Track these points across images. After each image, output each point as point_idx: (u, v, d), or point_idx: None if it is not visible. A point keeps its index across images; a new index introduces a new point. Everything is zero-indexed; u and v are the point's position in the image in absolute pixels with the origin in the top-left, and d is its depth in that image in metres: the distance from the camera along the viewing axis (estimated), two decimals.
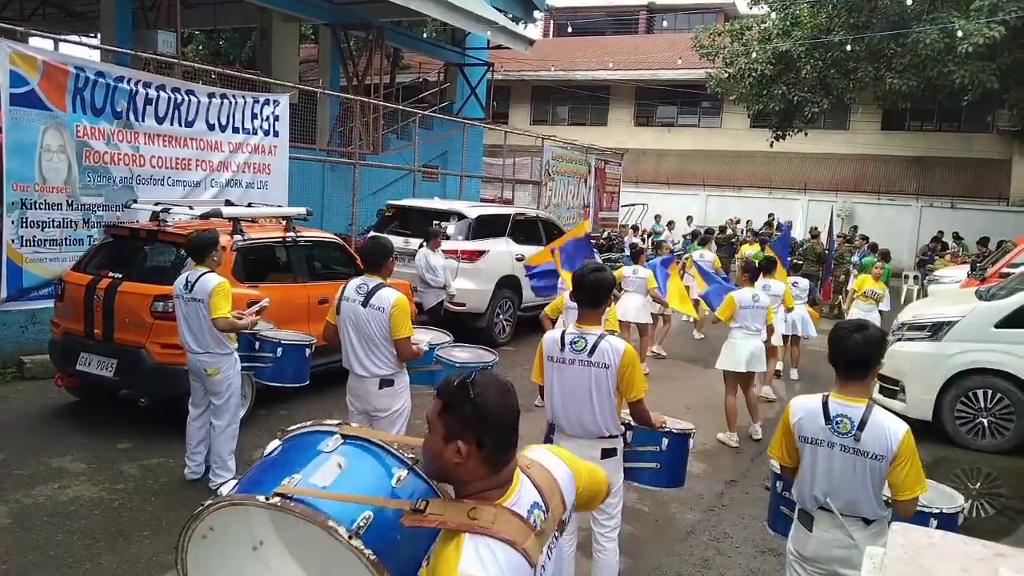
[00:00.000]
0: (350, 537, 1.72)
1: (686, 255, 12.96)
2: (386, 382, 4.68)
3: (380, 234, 5.99)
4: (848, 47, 19.05)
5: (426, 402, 1.88)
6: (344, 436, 1.99)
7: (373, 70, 16.03)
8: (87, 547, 4.50)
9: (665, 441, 3.79)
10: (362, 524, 1.75)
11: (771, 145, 23.49)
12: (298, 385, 5.69)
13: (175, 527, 4.72)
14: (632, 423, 3.79)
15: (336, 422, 2.07)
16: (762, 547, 5.00)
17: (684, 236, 19.76)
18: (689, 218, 23.38)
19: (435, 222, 10.31)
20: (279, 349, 5.41)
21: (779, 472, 3.44)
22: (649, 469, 3.83)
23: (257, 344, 5.41)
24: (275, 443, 2.05)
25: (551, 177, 17.55)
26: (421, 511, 1.69)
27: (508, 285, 10.67)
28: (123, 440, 6.11)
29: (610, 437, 3.69)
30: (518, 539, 1.65)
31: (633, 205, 23.93)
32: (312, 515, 1.75)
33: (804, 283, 10.49)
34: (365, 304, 4.57)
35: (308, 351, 5.56)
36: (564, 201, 18.15)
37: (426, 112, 16.16)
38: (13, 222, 7.57)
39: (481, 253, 10.26)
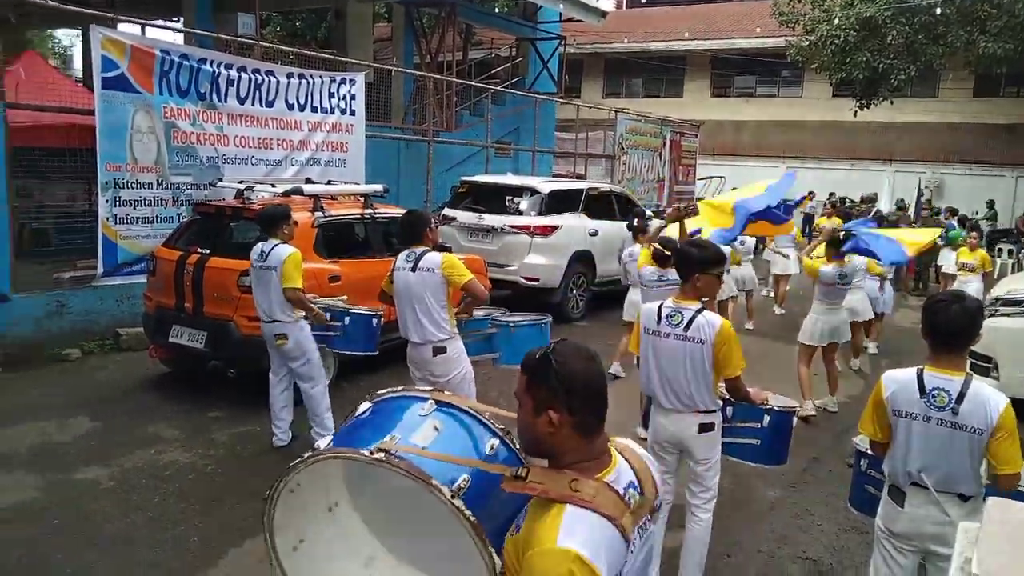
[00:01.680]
0: (452, 497, 1.75)
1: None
2: (439, 349, 4.78)
3: (415, 208, 6.13)
4: (938, 10, 18.12)
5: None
6: (437, 402, 2.03)
7: (446, 47, 16.08)
8: (182, 510, 4.73)
9: (767, 418, 3.74)
10: (462, 485, 1.78)
11: (854, 115, 22.60)
12: (367, 354, 5.82)
13: (264, 489, 4.93)
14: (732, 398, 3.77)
15: (429, 388, 2.12)
16: (845, 525, 4.90)
17: None
18: None
19: (509, 198, 10.33)
20: (347, 318, 5.57)
21: (863, 450, 3.36)
22: (750, 445, 3.80)
23: (328, 315, 5.56)
24: (366, 404, 2.10)
25: (624, 151, 17.33)
26: (522, 478, 1.71)
27: (581, 260, 10.63)
28: (214, 409, 6.38)
29: (707, 412, 3.68)
30: (616, 515, 1.65)
31: (710, 178, 23.44)
32: (417, 472, 1.77)
33: None
34: (414, 269, 4.72)
35: (376, 321, 5.69)
36: (638, 175, 17.92)
37: (498, 88, 16.14)
38: (108, 201, 7.92)
39: (554, 228, 10.23)
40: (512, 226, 10.13)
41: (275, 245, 5.38)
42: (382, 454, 1.81)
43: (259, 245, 5.49)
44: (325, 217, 6.93)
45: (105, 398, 6.58)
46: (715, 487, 3.86)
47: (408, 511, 2.02)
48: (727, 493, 5.29)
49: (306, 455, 1.97)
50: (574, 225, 10.60)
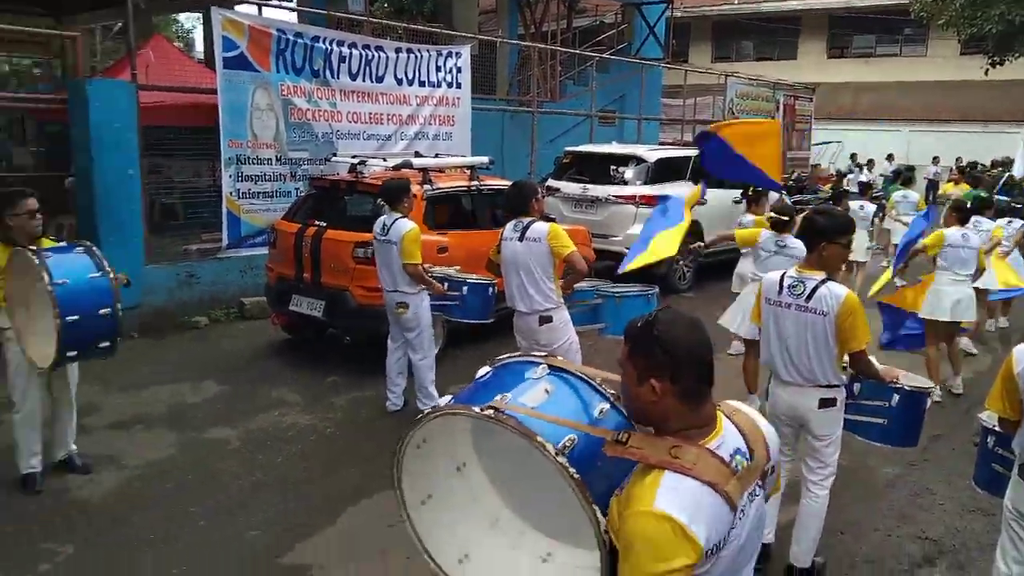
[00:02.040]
0: (556, 454, 1.79)
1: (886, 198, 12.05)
2: (545, 318, 4.86)
3: (523, 179, 6.16)
4: None
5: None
6: (550, 367, 2.07)
7: (550, 16, 15.97)
8: (304, 469, 5.00)
9: (896, 397, 3.57)
10: (567, 444, 1.82)
11: (986, 73, 21.07)
12: (483, 322, 5.95)
13: (379, 454, 5.16)
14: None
15: (543, 354, 2.17)
16: (970, 505, 4.68)
17: (883, 175, 18.33)
18: (890, 156, 21.60)
19: (614, 168, 10.23)
20: (465, 288, 5.70)
21: (991, 427, 3.20)
22: (876, 425, 3.65)
23: (445, 284, 5.71)
24: (486, 368, 2.19)
25: (735, 116, 16.80)
26: (623, 442, 1.73)
27: (689, 230, 10.40)
28: (332, 374, 6.67)
29: (829, 386, 3.57)
30: (719, 481, 1.64)
31: (826, 143, 22.44)
32: (522, 429, 1.83)
33: (1018, 223, 9.45)
34: (521, 239, 4.79)
35: (491, 290, 5.80)
36: None
37: (603, 55, 15.92)
38: (231, 176, 8.34)
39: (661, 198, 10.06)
40: (617, 196, 10.03)
41: (396, 219, 5.56)
42: (491, 411, 1.88)
43: (381, 218, 5.70)
44: (433, 190, 7.07)
45: (231, 363, 6.99)
46: (834, 464, 3.76)
47: (527, 475, 2.08)
48: (841, 468, 5.15)
49: (426, 411, 2.07)
50: (682, 194, 10.37)
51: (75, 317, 4.04)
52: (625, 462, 1.76)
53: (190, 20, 31.76)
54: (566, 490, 1.80)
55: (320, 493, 4.67)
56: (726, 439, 1.75)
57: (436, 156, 8.63)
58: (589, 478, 1.80)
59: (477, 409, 1.90)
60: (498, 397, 1.93)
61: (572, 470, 1.77)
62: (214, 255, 8.56)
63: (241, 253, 8.59)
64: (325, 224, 6.77)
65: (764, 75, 19.39)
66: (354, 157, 7.44)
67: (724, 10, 28.57)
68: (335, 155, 8.46)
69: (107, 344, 4.32)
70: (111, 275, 4.27)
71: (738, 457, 1.73)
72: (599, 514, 1.76)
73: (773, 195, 7.50)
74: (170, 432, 5.47)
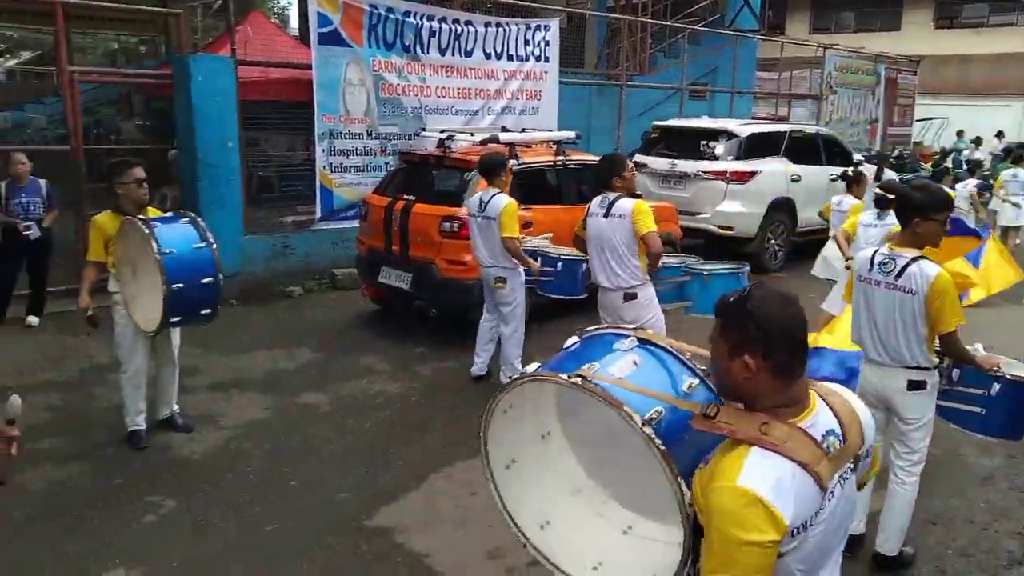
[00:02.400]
0: (643, 424, 1.80)
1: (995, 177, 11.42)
2: (630, 295, 4.83)
3: (614, 153, 6.10)
4: None
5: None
6: (639, 339, 2.08)
7: None
8: (390, 435, 5.15)
9: (996, 387, 3.40)
10: (654, 416, 1.83)
11: None
12: (576, 297, 5.97)
13: (462, 422, 5.27)
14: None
15: (632, 327, 2.18)
16: None
17: (992, 154, 17.33)
18: (999, 133, 20.37)
19: (704, 143, 10.02)
20: (559, 264, 5.74)
21: None
22: (974, 414, 3.49)
23: (539, 259, 5.75)
24: (574, 339, 2.20)
25: (833, 90, 16.17)
26: (711, 416, 1.71)
27: (781, 208, 10.14)
28: (418, 344, 6.82)
29: (918, 368, 3.44)
30: (809, 461, 1.62)
31: (929, 119, 21.33)
32: (609, 398, 1.85)
33: None
34: (607, 215, 4.76)
35: (584, 266, 5.80)
36: (848, 116, 16.68)
37: (695, 27, 15.52)
38: (324, 151, 8.56)
39: (752, 174, 9.81)
40: (706, 172, 9.83)
41: (493, 195, 5.62)
42: (579, 379, 1.89)
43: (477, 195, 5.77)
44: (519, 165, 7.08)
45: (323, 332, 7.23)
46: (923, 450, 3.62)
47: (611, 446, 2.10)
48: (934, 458, 4.96)
49: (515, 377, 2.12)
50: (775, 170, 10.10)
51: (180, 285, 4.25)
52: (712, 437, 1.74)
53: None
54: (651, 462, 1.80)
55: (405, 459, 4.80)
56: (819, 419, 1.71)
57: (523, 131, 8.63)
58: (675, 452, 1.80)
59: (564, 376, 1.92)
60: (586, 366, 1.95)
61: (658, 441, 1.77)
62: (308, 227, 8.82)
63: (333, 225, 8.82)
64: (413, 198, 6.88)
65: (865, 47, 18.52)
66: (442, 132, 7.52)
67: None
68: (424, 130, 8.57)
69: (208, 311, 4.53)
70: (213, 245, 4.47)
71: (831, 438, 1.69)
72: (684, 487, 1.76)
73: (869, 172, 7.23)
74: (265, 396, 5.71)
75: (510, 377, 5.67)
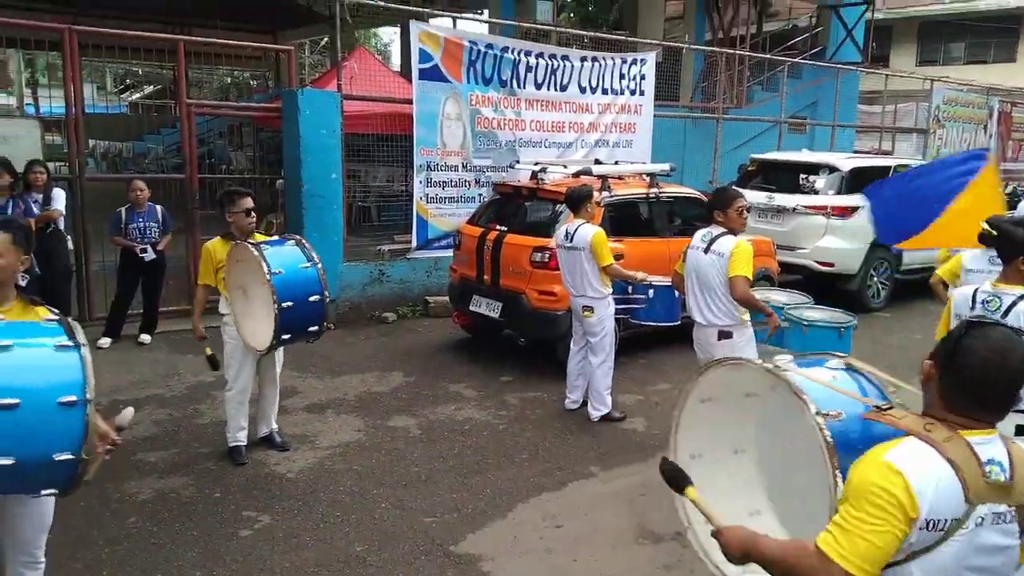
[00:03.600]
0: (816, 413, 1.90)
1: None
2: (724, 333, 4.69)
3: (726, 187, 5.96)
4: None
5: None
6: (847, 365, 2.21)
7: (739, 21, 15.52)
8: (477, 461, 5.18)
9: None
10: (832, 414, 1.93)
11: None
12: (670, 324, 5.91)
13: (550, 453, 5.27)
14: None
15: (843, 355, 2.31)
16: None
17: None
18: None
19: (803, 177, 9.80)
20: (651, 290, 5.72)
21: None
22: None
23: (630, 288, 5.74)
24: (787, 356, 2.29)
25: (940, 124, 15.56)
26: (883, 410, 1.78)
27: (886, 244, 9.75)
28: (506, 373, 6.87)
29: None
30: (963, 467, 1.61)
31: None
32: (795, 387, 1.97)
33: None
34: (706, 251, 4.65)
35: (677, 293, 5.75)
36: (956, 150, 15.98)
37: (795, 60, 15.26)
38: (421, 182, 8.81)
39: (855, 209, 9.48)
40: (806, 206, 9.59)
41: (579, 225, 5.67)
42: (771, 366, 2.05)
43: (564, 227, 5.84)
44: (611, 197, 7.10)
45: (415, 357, 7.37)
46: None
47: (794, 470, 2.18)
48: None
49: (711, 363, 2.28)
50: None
51: (289, 303, 4.44)
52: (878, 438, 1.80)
53: (388, 34, 33.80)
54: (819, 471, 1.88)
55: (492, 486, 4.83)
56: (991, 446, 1.68)
57: (616, 163, 8.66)
58: (842, 450, 1.89)
59: (759, 361, 2.03)
60: (784, 361, 2.08)
61: (827, 432, 1.85)
62: (403, 255, 9.06)
63: (428, 254, 9.03)
64: (506, 229, 6.99)
65: (977, 79, 17.77)
66: (536, 164, 7.62)
67: (933, 10, 26.43)
68: (518, 162, 8.71)
69: (315, 328, 4.70)
70: (319, 265, 4.65)
71: (994, 467, 1.66)
72: (839, 478, 1.81)
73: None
74: (358, 417, 5.86)
75: (599, 409, 5.69)
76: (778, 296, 5.49)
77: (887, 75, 16.42)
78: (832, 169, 9.83)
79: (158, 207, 7.40)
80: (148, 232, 7.26)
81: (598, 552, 4.08)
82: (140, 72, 27.19)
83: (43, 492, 2.54)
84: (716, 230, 4.70)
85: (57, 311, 2.73)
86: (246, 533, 4.20)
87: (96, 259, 7.80)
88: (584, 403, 5.98)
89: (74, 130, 7.68)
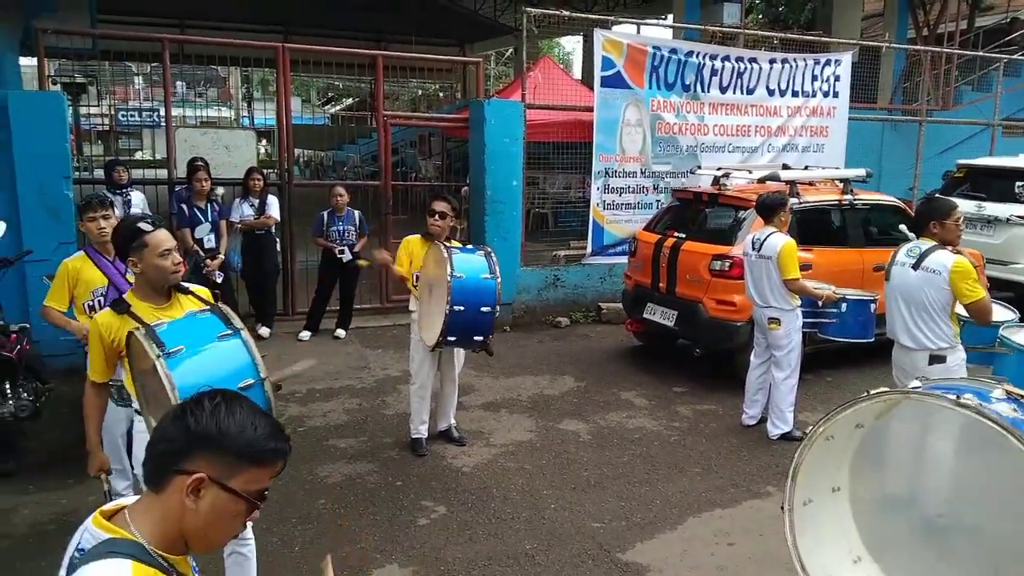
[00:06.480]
0: None
1: None
2: (937, 358, 4.28)
3: (940, 196, 5.48)
4: None
5: None
6: (1008, 393, 2.10)
7: (947, 16, 14.32)
8: (647, 472, 5.13)
9: None
10: None
11: None
12: (863, 341, 5.58)
13: (723, 469, 5.13)
14: None
15: (996, 382, 2.21)
16: None
17: None
18: None
19: (1020, 184, 8.90)
20: (844, 304, 5.44)
21: None
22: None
23: (820, 301, 5.47)
24: (916, 383, 2.23)
25: None
26: None
27: None
28: (679, 384, 6.75)
29: None
30: None
31: None
32: (1005, 425, 1.87)
33: None
34: (916, 267, 4.26)
35: (873, 306, 5.41)
36: None
37: (1014, 57, 13.84)
38: (598, 188, 8.85)
39: None
40: (1021, 216, 8.70)
41: (769, 234, 5.50)
42: (968, 401, 1.93)
43: (752, 234, 5.68)
44: (800, 203, 6.78)
45: (586, 363, 7.41)
46: None
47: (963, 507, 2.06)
48: None
49: (871, 391, 2.15)
50: None
51: (460, 307, 4.63)
52: None
53: (570, 43, 34.22)
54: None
55: (662, 497, 4.77)
56: None
57: (805, 168, 8.26)
58: None
59: (952, 396, 1.92)
60: (967, 396, 1.94)
61: None
62: (578, 261, 9.14)
63: (602, 260, 9.06)
64: (684, 236, 6.87)
65: None
66: (718, 169, 7.43)
67: None
68: (699, 167, 8.53)
69: (480, 338, 4.87)
70: (498, 279, 4.80)
71: None
72: None
73: None
74: (530, 418, 5.99)
75: (779, 427, 5.45)
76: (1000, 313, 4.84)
77: None
78: None
79: (356, 212, 7.94)
80: (346, 235, 7.80)
81: (772, 573, 3.92)
82: (340, 86, 29.27)
83: None
84: (925, 244, 4.31)
85: (206, 300, 3.01)
86: (424, 522, 4.41)
87: (300, 258, 8.50)
88: (763, 420, 5.76)
89: (284, 140, 8.41)
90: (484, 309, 4.74)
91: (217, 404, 1.44)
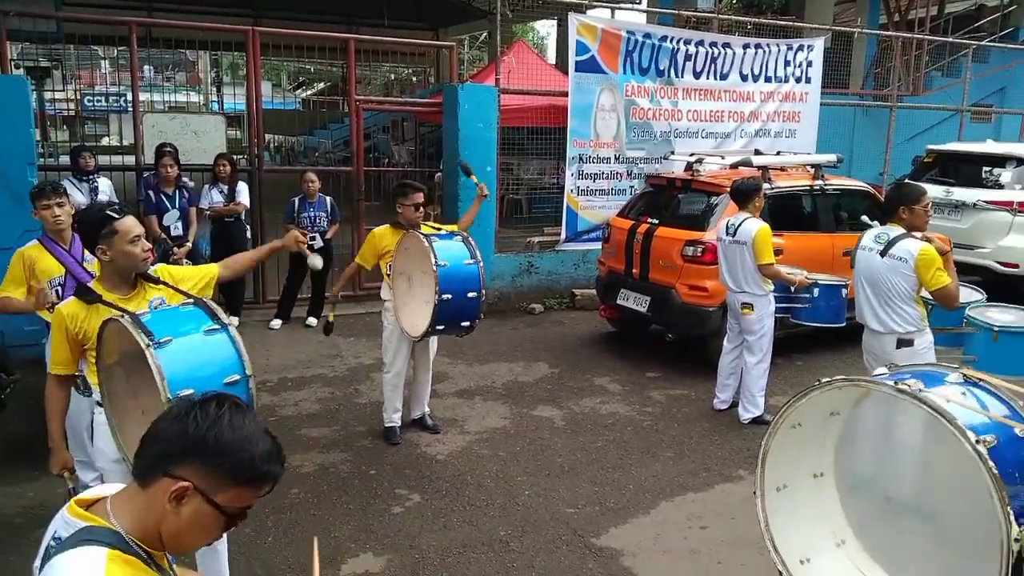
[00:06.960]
0: (976, 442, 1.78)
1: None
2: (904, 341, 4.33)
3: (910, 181, 5.53)
4: None
5: None
6: (965, 377, 2.02)
7: (918, 2, 14.44)
8: (620, 457, 5.16)
9: None
10: (989, 440, 1.82)
11: None
12: (835, 326, 5.63)
13: (695, 453, 5.17)
14: None
15: (956, 367, 2.18)
16: None
17: None
18: None
19: (987, 169, 9.02)
20: (816, 290, 5.49)
21: None
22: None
23: (793, 287, 5.51)
24: (883, 370, 2.19)
25: None
26: None
27: None
28: (652, 370, 6.79)
29: None
30: None
31: None
32: (941, 411, 1.85)
33: None
34: (884, 254, 4.30)
35: (844, 291, 5.47)
36: None
37: (982, 43, 14.00)
38: (572, 174, 8.84)
39: None
40: (988, 201, 8.83)
41: (744, 219, 5.52)
42: (906, 387, 1.90)
43: (727, 220, 5.69)
44: (772, 189, 6.82)
45: (560, 349, 7.43)
46: None
47: (918, 492, 2.07)
48: None
49: (823, 380, 2.13)
50: None
51: (449, 296, 4.62)
52: None
53: (544, 27, 34.05)
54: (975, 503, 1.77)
55: (635, 482, 4.80)
56: None
57: (777, 153, 8.31)
58: (1004, 479, 1.79)
59: (890, 383, 1.91)
60: (910, 380, 1.93)
61: (991, 463, 1.71)
62: (552, 248, 9.13)
63: (576, 247, 9.06)
64: (657, 221, 6.88)
65: None
66: (691, 155, 7.45)
67: None
68: (672, 153, 8.54)
69: (467, 323, 4.86)
70: (480, 263, 4.78)
71: None
72: (1012, 519, 1.70)
73: None
74: (505, 405, 5.99)
75: (750, 411, 5.51)
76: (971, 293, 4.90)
77: None
78: (1020, 161, 8.98)
79: (327, 198, 7.85)
80: (317, 221, 7.72)
81: (744, 556, 3.96)
82: (312, 70, 28.91)
83: None
84: (894, 230, 4.33)
85: (188, 294, 2.96)
86: (398, 510, 4.40)
87: None
88: (734, 404, 5.81)
89: (254, 125, 8.29)
90: (471, 295, 4.73)
91: (222, 414, 1.42)
